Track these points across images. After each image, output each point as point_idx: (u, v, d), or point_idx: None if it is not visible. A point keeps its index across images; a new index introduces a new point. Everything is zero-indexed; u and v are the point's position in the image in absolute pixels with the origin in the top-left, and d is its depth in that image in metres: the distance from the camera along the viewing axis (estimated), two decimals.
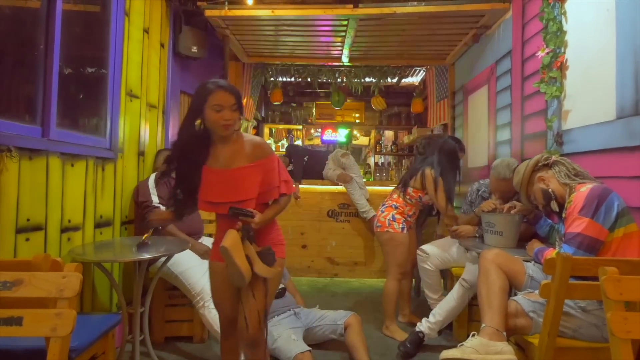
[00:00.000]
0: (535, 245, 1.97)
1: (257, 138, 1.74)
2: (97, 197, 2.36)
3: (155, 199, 2.56)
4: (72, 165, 2.12)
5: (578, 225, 1.64)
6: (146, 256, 1.98)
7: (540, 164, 1.98)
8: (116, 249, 2.34)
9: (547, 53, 2.39)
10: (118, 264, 2.58)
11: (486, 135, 3.42)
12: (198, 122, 1.60)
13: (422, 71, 5.61)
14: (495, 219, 2.23)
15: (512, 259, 1.90)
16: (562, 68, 2.32)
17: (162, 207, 2.58)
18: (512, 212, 2.19)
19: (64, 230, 2.07)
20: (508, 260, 1.88)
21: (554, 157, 1.97)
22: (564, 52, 2.32)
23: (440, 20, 3.27)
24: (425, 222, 3.76)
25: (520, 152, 2.79)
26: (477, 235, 2.53)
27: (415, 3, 2.98)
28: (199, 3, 3.09)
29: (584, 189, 1.72)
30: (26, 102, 1.89)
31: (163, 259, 2.19)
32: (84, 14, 2.32)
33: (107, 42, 2.43)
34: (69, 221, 2.12)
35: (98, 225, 2.39)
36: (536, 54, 2.49)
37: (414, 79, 5.99)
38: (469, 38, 3.59)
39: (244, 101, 4.72)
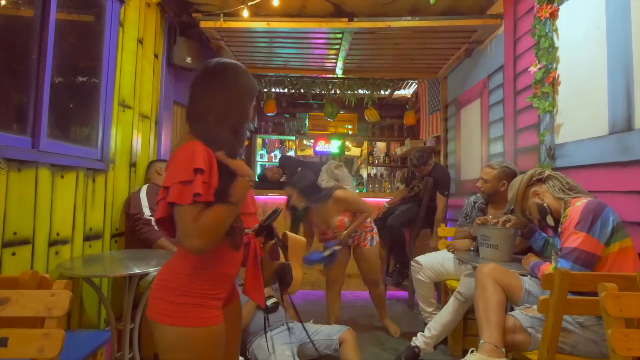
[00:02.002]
0: (531, 259, 1.97)
1: None
2: (87, 209, 2.30)
3: (147, 211, 2.51)
4: (62, 177, 2.08)
5: (574, 240, 1.65)
6: (137, 271, 1.94)
7: (534, 179, 2.00)
8: (106, 263, 2.28)
9: (540, 68, 2.43)
10: (107, 279, 2.52)
11: (479, 148, 3.44)
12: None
13: (414, 84, 5.67)
14: (490, 233, 2.23)
15: (509, 273, 1.90)
16: (555, 83, 2.36)
17: (154, 220, 2.54)
18: (507, 225, 2.20)
19: (52, 243, 2.01)
20: (505, 275, 1.88)
21: (547, 172, 1.99)
22: (556, 68, 2.36)
23: (433, 35, 3.31)
24: (419, 234, 3.76)
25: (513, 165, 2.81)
26: (472, 248, 2.53)
27: (409, 18, 3.02)
28: (194, 15, 3.08)
29: (579, 203, 1.73)
30: (16, 112, 1.85)
31: (154, 273, 2.13)
32: (77, 24, 2.30)
33: (100, 52, 2.41)
34: (58, 234, 2.06)
35: (87, 238, 2.33)
36: (528, 69, 2.53)
37: (406, 92, 6.05)
38: (461, 52, 3.64)
39: None
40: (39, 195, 1.89)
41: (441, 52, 3.72)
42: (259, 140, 6.70)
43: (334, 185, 2.84)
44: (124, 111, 2.70)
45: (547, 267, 1.77)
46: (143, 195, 2.58)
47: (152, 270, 1.96)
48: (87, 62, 2.35)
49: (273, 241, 1.34)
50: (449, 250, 2.64)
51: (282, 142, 7.16)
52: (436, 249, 3.13)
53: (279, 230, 1.39)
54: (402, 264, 3.80)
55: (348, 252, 2.92)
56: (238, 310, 1.35)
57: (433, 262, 2.79)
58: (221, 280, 1.18)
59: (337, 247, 2.64)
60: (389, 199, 4.15)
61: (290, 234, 1.47)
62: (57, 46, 1.98)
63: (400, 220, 3.63)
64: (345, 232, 2.72)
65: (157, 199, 1.13)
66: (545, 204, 1.90)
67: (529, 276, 1.92)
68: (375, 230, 2.91)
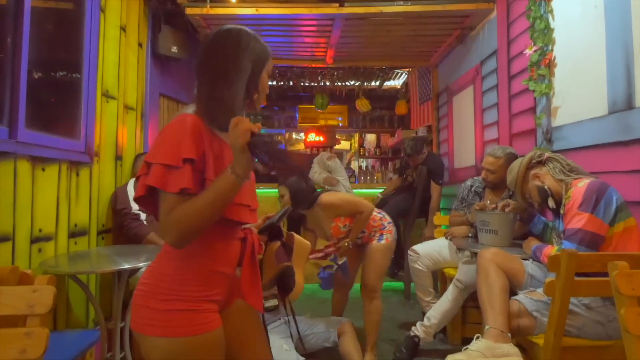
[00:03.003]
0: (532, 242, 1.93)
1: None
2: (71, 204, 2.19)
3: (134, 206, 2.41)
4: (43, 170, 1.96)
5: (578, 220, 1.61)
6: (126, 266, 1.84)
7: (533, 161, 1.96)
8: (92, 259, 2.18)
9: (535, 51, 2.40)
10: (95, 276, 2.41)
11: (472, 135, 3.41)
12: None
13: (404, 74, 5.63)
14: (489, 218, 2.20)
15: (511, 257, 1.86)
16: (551, 65, 2.33)
17: (143, 215, 2.44)
18: (507, 210, 2.16)
19: (34, 240, 1.90)
20: (507, 259, 1.84)
21: (547, 154, 1.95)
22: (552, 50, 2.32)
23: (425, 20, 3.26)
24: (413, 223, 3.72)
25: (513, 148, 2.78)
26: (470, 235, 2.49)
27: (402, 3, 2.96)
28: (179, 1, 2.97)
29: (582, 184, 1.70)
30: None
31: (144, 269, 2.04)
32: (56, 10, 2.17)
33: (81, 39, 2.28)
34: (40, 230, 1.95)
35: (72, 235, 2.22)
36: (524, 52, 2.49)
37: (396, 82, 6.00)
38: (453, 39, 3.60)
39: None
40: (18, 189, 1.78)
41: (433, 39, 3.67)
42: None
43: (319, 192, 2.39)
44: (107, 102, 2.58)
45: (551, 250, 1.73)
46: (130, 189, 2.47)
47: (142, 265, 1.87)
48: (67, 49, 2.23)
49: (279, 242, 1.21)
50: (446, 238, 2.61)
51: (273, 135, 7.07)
52: (431, 238, 3.10)
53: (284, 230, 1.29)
54: (396, 254, 3.76)
55: (359, 251, 2.45)
56: (247, 310, 1.15)
57: (430, 250, 2.75)
58: (215, 280, 1.01)
59: (340, 262, 2.28)
60: (381, 190, 4.10)
61: (296, 236, 1.34)
62: (34, 33, 1.85)
63: (395, 211, 3.58)
64: (346, 241, 2.29)
65: (137, 173, 0.99)
66: (546, 187, 1.86)
67: (531, 260, 1.89)
68: (390, 228, 2.38)
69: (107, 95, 2.57)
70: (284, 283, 1.19)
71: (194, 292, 0.97)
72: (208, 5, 2.86)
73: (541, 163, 1.94)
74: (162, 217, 0.91)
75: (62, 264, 1.95)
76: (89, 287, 2.27)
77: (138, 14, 2.99)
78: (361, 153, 6.66)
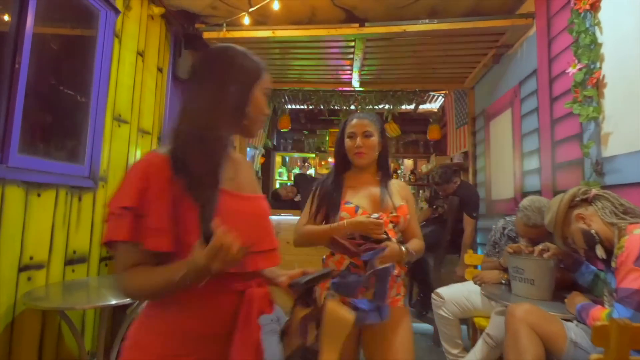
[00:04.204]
0: (577, 299, 1.57)
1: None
2: (69, 230, 2.13)
3: None
4: (39, 195, 1.92)
5: (634, 279, 1.27)
6: (112, 302, 1.72)
7: (577, 199, 1.62)
8: (90, 289, 2.09)
9: (580, 69, 2.07)
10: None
11: (511, 163, 3.05)
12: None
13: (440, 97, 5.33)
14: (524, 264, 1.85)
15: (548, 317, 1.52)
16: (599, 85, 1.98)
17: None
18: (545, 255, 1.81)
19: (23, 268, 1.84)
20: (543, 319, 1.50)
21: (594, 191, 1.61)
22: (600, 67, 1.99)
23: (455, 39, 3.01)
24: (444, 260, 3.36)
25: (551, 183, 2.42)
26: (503, 282, 2.13)
27: (427, 21, 2.74)
28: (197, 26, 2.96)
29: (638, 231, 1.35)
30: None
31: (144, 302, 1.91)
32: (65, 34, 2.19)
33: (91, 63, 2.28)
34: (31, 258, 1.88)
35: (70, 262, 2.15)
36: (566, 71, 2.17)
37: (433, 106, 5.70)
38: (488, 59, 3.30)
39: None
40: (5, 215, 1.72)
41: (466, 59, 3.40)
42: (277, 158, 6.53)
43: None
44: (119, 126, 2.56)
45: (599, 313, 1.38)
46: None
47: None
48: (74, 74, 2.23)
49: (308, 309, 0.91)
50: (475, 283, 2.26)
51: (305, 159, 6.95)
52: (463, 279, 2.74)
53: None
54: (425, 293, 3.40)
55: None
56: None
57: (457, 295, 2.41)
58: (192, 343, 0.83)
59: (380, 266, 1.31)
60: None
61: (332, 306, 0.91)
62: (40, 57, 1.85)
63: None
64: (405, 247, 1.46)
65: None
66: (593, 231, 1.52)
67: (575, 322, 1.53)
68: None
69: (119, 120, 2.54)
70: None
71: (180, 355, 0.82)
72: (224, 29, 2.82)
73: (587, 201, 1.60)
74: (116, 270, 0.82)
75: (53, 295, 1.86)
76: (85, 315, 2.18)
77: (159, 38, 3.01)
78: (395, 179, 6.34)
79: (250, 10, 2.64)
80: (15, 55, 1.76)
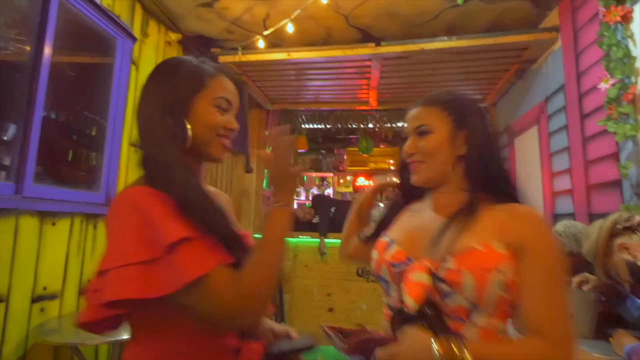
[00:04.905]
0: (625, 339, 1.41)
1: None
2: (84, 259, 2.11)
3: None
4: (54, 224, 1.90)
5: None
6: (125, 337, 1.65)
7: (619, 227, 1.48)
8: None
9: (613, 84, 1.94)
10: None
11: (539, 183, 2.89)
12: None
13: None
14: None
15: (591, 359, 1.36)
16: (636, 101, 1.85)
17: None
18: (585, 288, 1.65)
19: (36, 299, 1.81)
20: None
21: (638, 217, 1.46)
22: (636, 82, 1.85)
23: (476, 56, 2.91)
24: None
25: (586, 205, 2.25)
26: None
27: (445, 38, 2.66)
28: (212, 50, 2.97)
29: None
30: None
31: None
32: (83, 62, 2.22)
33: (108, 91, 2.30)
34: (45, 289, 1.86)
35: (84, 292, 2.11)
36: (598, 87, 2.04)
37: None
38: (511, 74, 3.18)
39: (269, 150, 4.52)
40: (19, 245, 1.71)
41: (487, 75, 3.29)
42: None
43: None
44: (136, 151, 2.55)
45: None
46: None
47: None
48: (91, 101, 2.25)
49: None
50: None
51: (323, 178, 6.88)
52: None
53: None
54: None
55: None
56: None
57: None
58: None
59: None
60: None
61: None
62: (54, 86, 1.87)
63: None
64: None
65: (86, 292, 0.74)
66: (639, 262, 1.37)
67: None
68: None
69: (136, 145, 2.54)
70: None
71: None
72: (240, 53, 2.82)
73: (630, 229, 1.45)
74: (228, 295, 0.66)
75: (65, 328, 1.82)
76: (98, 350, 2.13)
77: None
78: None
79: (265, 33, 2.63)
80: (32, 85, 1.77)
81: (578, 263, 1.79)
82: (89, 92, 2.27)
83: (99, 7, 2.09)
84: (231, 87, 0.85)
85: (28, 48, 1.81)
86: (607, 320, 1.70)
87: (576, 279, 1.70)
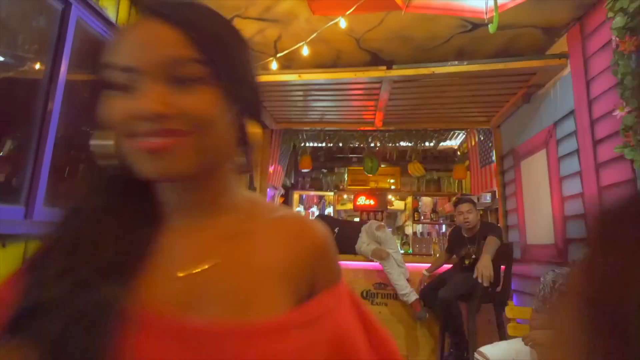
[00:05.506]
0: None
1: (295, 214, 0.57)
2: None
3: None
4: None
5: None
6: None
7: None
8: None
9: (629, 112, 1.96)
10: None
11: (549, 207, 2.89)
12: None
13: (461, 134, 5.24)
14: None
15: None
16: None
17: None
18: None
19: None
20: None
21: None
22: None
23: (484, 79, 2.95)
24: (479, 309, 3.13)
25: None
26: None
27: (456, 62, 2.69)
28: None
29: None
30: (9, 177, 1.66)
31: None
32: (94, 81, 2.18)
33: None
34: None
35: None
36: (613, 114, 2.06)
37: (453, 143, 5.61)
38: (517, 98, 3.22)
39: (271, 168, 4.49)
40: None
41: (494, 98, 3.33)
42: (295, 196, 6.44)
43: None
44: None
45: None
46: None
47: None
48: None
49: None
50: (526, 344, 2.05)
51: (320, 197, 6.85)
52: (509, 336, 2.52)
53: None
54: (458, 345, 3.16)
55: None
56: None
57: (505, 356, 2.19)
58: None
59: None
60: (428, 266, 3.60)
61: None
62: (67, 105, 1.82)
63: (455, 293, 3.06)
64: None
65: None
66: None
67: None
68: None
69: None
70: None
71: None
72: None
73: None
74: None
75: None
76: None
77: None
78: (415, 218, 6.16)
79: (278, 55, 2.63)
80: (46, 104, 1.72)
81: None
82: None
83: (114, 27, 2.07)
84: (132, 40, 0.45)
85: (43, 67, 1.77)
86: None
87: None
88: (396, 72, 2.76)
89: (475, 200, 4.33)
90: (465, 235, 3.29)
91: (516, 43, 2.71)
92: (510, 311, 2.61)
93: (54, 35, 1.76)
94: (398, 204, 6.89)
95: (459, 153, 5.50)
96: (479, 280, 2.77)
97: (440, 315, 3.33)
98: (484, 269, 2.78)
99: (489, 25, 1.47)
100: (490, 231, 3.15)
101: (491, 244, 2.97)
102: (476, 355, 2.29)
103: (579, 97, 2.49)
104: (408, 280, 3.55)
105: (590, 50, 2.38)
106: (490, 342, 2.59)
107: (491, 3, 1.61)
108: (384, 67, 2.77)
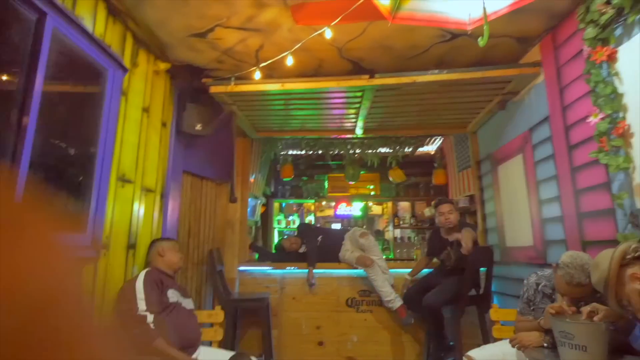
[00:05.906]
0: None
1: None
2: None
3: (141, 305, 2.10)
4: None
5: None
6: None
7: (629, 257, 1.53)
8: None
9: (602, 118, 2.05)
10: None
11: (527, 210, 2.98)
12: None
13: (438, 139, 5.36)
14: (574, 329, 1.71)
15: None
16: (626, 135, 1.96)
17: (150, 316, 2.11)
18: (596, 318, 1.68)
19: None
20: None
21: None
22: (624, 117, 1.97)
23: (462, 87, 3.03)
24: (463, 313, 3.19)
25: (578, 232, 2.33)
26: (545, 345, 1.98)
27: (437, 71, 2.75)
28: (203, 80, 2.91)
29: None
30: None
31: None
32: (70, 94, 2.09)
33: (97, 123, 2.17)
34: None
35: None
36: (587, 120, 2.15)
37: (430, 148, 5.73)
38: (493, 105, 3.32)
39: (252, 178, 4.44)
40: None
41: (471, 105, 3.42)
42: (275, 205, 6.39)
43: None
44: (123, 186, 2.41)
45: None
46: (139, 284, 2.19)
47: None
48: (80, 136, 2.11)
49: None
50: (513, 346, 2.09)
51: (299, 205, 6.82)
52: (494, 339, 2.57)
53: None
54: (438, 346, 3.21)
55: None
56: None
57: (493, 358, 2.23)
58: None
59: None
60: (409, 271, 3.65)
61: None
62: (43, 119, 1.73)
63: (442, 299, 3.09)
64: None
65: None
66: None
67: None
68: None
69: (123, 180, 2.40)
70: None
71: None
72: (232, 83, 2.77)
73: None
74: None
75: None
76: None
77: (163, 93, 2.94)
78: (395, 222, 6.23)
79: (262, 65, 2.61)
80: (21, 119, 1.63)
81: (585, 293, 1.83)
82: (78, 126, 2.12)
83: (91, 38, 1.99)
84: None
85: (16, 79, 1.68)
86: (616, 349, 1.74)
87: (585, 309, 1.73)
88: (379, 81, 2.79)
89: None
90: (444, 236, 3.34)
91: (492, 52, 2.80)
92: (494, 313, 2.67)
93: (28, 47, 1.67)
94: (376, 209, 6.95)
95: (436, 158, 5.61)
96: (462, 244, 2.96)
97: (425, 319, 3.36)
98: (467, 240, 2.91)
99: (479, 39, 1.50)
100: (467, 225, 3.23)
101: (468, 229, 3.06)
102: (464, 358, 2.32)
103: (553, 104, 2.59)
104: (392, 286, 3.57)
105: (562, 59, 2.49)
106: (474, 344, 2.64)
107: (474, 15, 1.66)
108: (367, 76, 2.80)
